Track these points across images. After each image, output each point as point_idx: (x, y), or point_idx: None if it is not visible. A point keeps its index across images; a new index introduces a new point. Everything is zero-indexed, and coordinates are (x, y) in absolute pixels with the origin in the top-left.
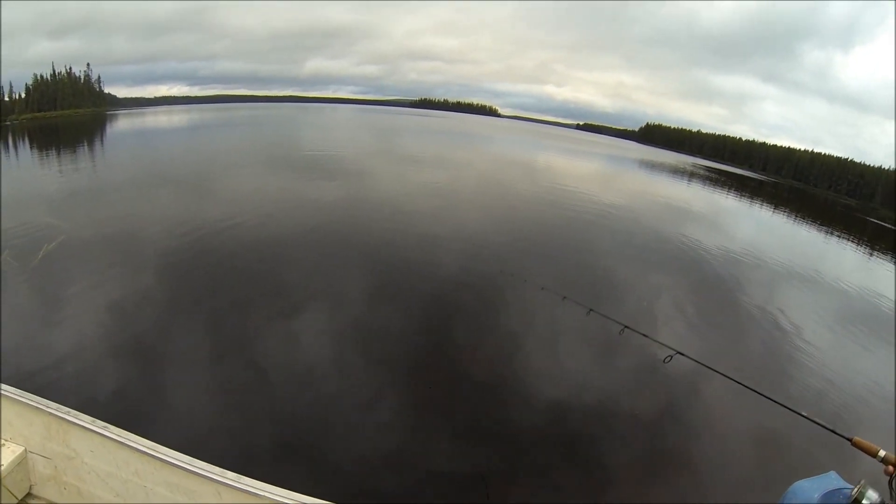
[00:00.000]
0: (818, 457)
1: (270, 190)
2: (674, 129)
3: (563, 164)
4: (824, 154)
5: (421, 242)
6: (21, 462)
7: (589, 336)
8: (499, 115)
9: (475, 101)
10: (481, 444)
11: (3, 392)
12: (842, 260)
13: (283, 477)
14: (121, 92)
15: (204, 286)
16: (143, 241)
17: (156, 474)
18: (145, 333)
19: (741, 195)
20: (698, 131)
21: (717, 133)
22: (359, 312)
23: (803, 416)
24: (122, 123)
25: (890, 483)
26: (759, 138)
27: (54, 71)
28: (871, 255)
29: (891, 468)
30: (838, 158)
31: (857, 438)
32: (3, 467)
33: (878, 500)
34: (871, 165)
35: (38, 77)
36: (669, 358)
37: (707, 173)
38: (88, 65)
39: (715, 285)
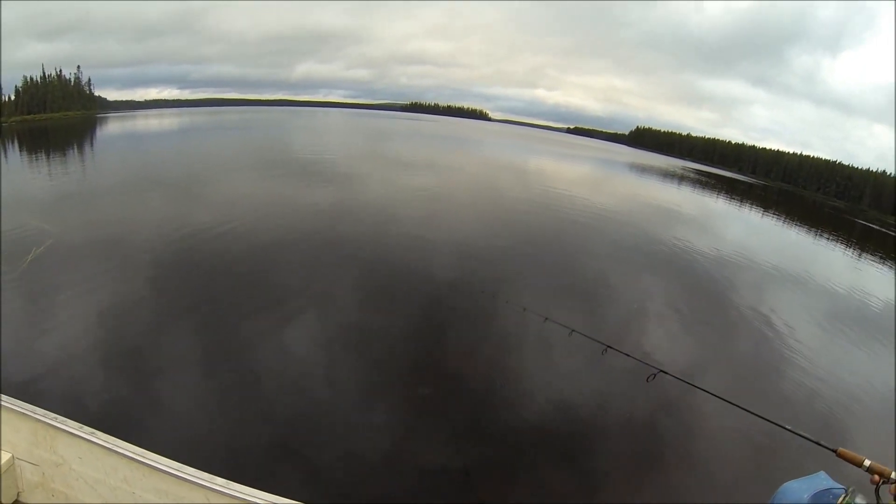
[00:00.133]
0: (805, 467)
1: (261, 194)
2: (664, 132)
3: (553, 167)
4: (813, 157)
5: (411, 249)
6: (9, 469)
7: (573, 356)
8: (489, 119)
9: (466, 104)
10: (469, 450)
11: None
12: (831, 262)
13: (272, 482)
14: (111, 95)
15: (193, 290)
16: (132, 246)
17: (144, 480)
18: (133, 338)
19: (731, 198)
20: (688, 135)
21: (706, 136)
22: (348, 317)
23: (787, 429)
24: (113, 126)
25: (877, 491)
26: (749, 142)
27: (44, 73)
28: (860, 256)
29: (876, 477)
30: (827, 161)
31: (841, 450)
32: None
33: None
34: (859, 168)
35: (28, 79)
36: (653, 376)
37: (697, 176)
38: (79, 67)
39: (704, 290)
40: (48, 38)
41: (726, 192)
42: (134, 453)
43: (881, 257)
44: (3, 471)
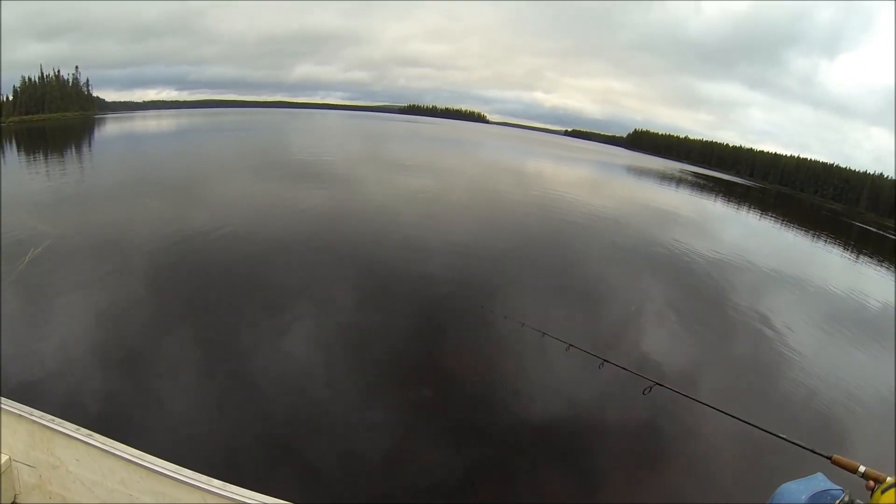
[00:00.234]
0: (804, 468)
1: (259, 196)
2: (662, 135)
3: (552, 170)
4: (810, 159)
5: (409, 251)
6: (6, 471)
7: (571, 370)
8: (487, 122)
9: (464, 107)
10: (468, 451)
11: None
12: (829, 264)
13: (270, 484)
14: (109, 96)
15: (191, 292)
16: (130, 247)
17: (141, 482)
18: (131, 339)
19: (729, 200)
20: (686, 137)
21: (704, 139)
22: (347, 318)
23: (783, 438)
24: (111, 127)
25: (872, 496)
26: (746, 144)
27: (42, 73)
28: (858, 259)
29: (871, 483)
30: (824, 164)
31: (836, 456)
32: None
33: None
34: (856, 170)
35: (26, 79)
36: (649, 389)
37: (695, 179)
38: (77, 68)
39: (701, 293)
40: (47, 38)
41: (724, 195)
42: (131, 455)
43: (879, 260)
44: (0, 473)
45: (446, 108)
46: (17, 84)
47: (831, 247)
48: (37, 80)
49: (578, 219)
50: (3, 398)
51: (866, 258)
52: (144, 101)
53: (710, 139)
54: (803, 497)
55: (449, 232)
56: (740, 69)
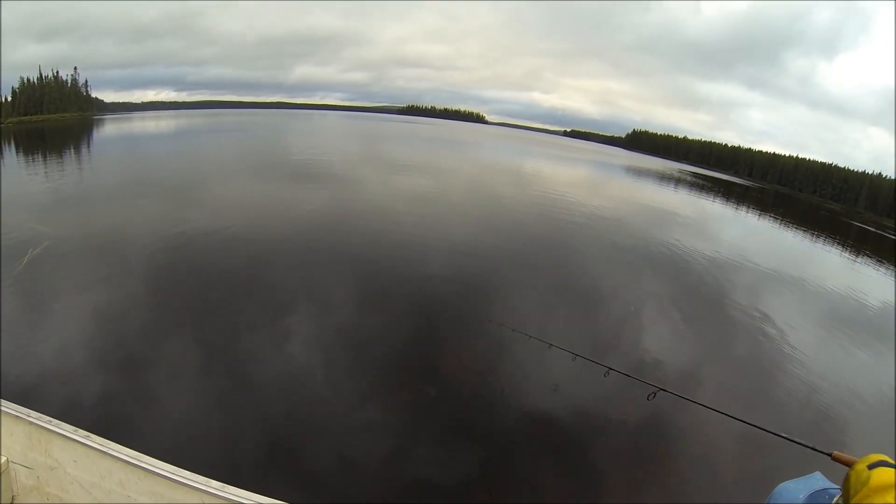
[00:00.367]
0: (803, 467)
1: (258, 197)
2: (660, 135)
3: (551, 170)
4: (809, 159)
5: (409, 252)
6: (3, 472)
7: (577, 379)
8: (486, 122)
9: (462, 107)
10: (468, 452)
11: None
12: (828, 264)
13: (269, 485)
14: (108, 97)
15: (189, 293)
16: (129, 248)
17: (140, 484)
18: (130, 341)
19: (728, 200)
20: (684, 137)
21: (703, 139)
22: (346, 320)
23: (783, 437)
24: (110, 128)
25: None
26: (745, 144)
27: (41, 74)
28: (857, 259)
29: None
30: (822, 164)
31: (836, 453)
32: None
33: None
34: (855, 170)
35: (25, 80)
36: (653, 395)
37: (694, 179)
38: (76, 68)
39: (701, 293)
40: (45, 38)
41: (723, 195)
42: (129, 456)
43: (878, 260)
44: None
45: (445, 109)
46: (16, 85)
47: (830, 246)
48: (35, 80)
49: (578, 219)
50: (0, 399)
51: (865, 258)
52: (143, 102)
53: (708, 139)
54: (801, 496)
55: (449, 232)
56: (739, 69)
